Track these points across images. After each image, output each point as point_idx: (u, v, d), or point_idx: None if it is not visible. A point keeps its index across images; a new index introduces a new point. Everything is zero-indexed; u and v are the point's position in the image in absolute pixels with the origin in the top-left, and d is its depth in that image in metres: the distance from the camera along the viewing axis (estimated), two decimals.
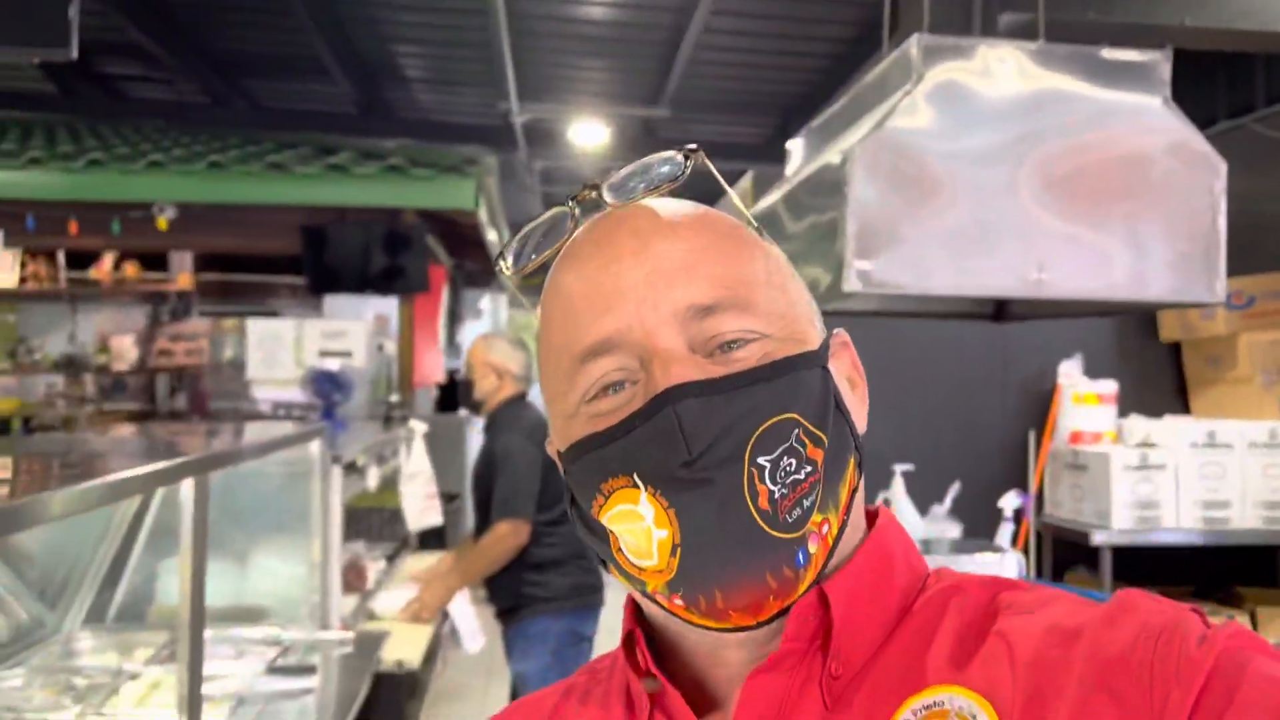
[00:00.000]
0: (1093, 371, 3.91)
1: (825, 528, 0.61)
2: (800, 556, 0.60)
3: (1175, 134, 2.32)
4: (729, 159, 7.51)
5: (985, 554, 2.81)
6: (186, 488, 1.58)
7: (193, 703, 1.69)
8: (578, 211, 0.69)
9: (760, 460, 0.59)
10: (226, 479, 2.36)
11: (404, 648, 2.90)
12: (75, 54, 2.59)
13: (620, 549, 0.63)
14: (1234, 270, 3.80)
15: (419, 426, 4.01)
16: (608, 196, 0.68)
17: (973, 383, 4.03)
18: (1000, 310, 3.37)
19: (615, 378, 0.63)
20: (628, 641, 0.68)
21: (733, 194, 0.73)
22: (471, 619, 3.64)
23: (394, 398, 5.13)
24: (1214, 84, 5.13)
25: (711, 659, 0.65)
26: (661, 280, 0.63)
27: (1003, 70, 2.30)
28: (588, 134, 7.56)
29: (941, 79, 2.29)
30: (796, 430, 0.61)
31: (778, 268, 0.68)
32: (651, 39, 6.01)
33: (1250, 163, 4.99)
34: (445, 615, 3.58)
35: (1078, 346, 3.96)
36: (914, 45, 2.29)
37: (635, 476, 0.60)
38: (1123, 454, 3.55)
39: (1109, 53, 2.31)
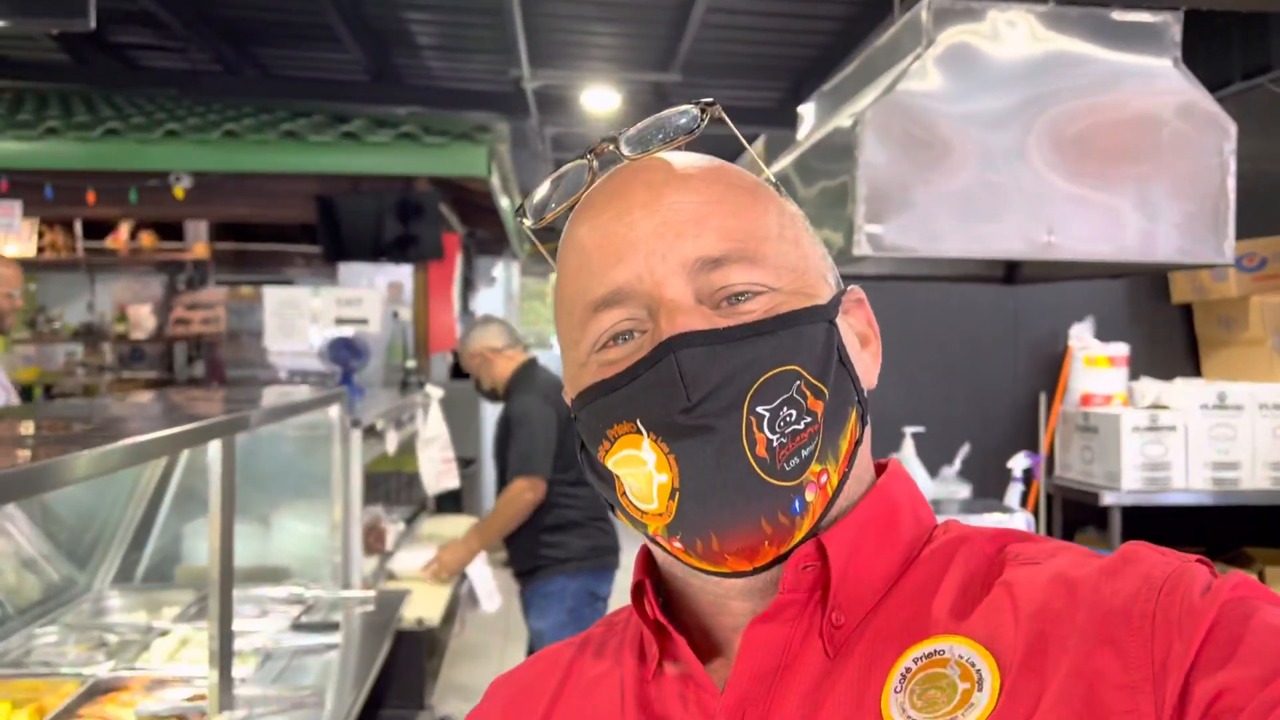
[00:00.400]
0: (1104, 334, 3.92)
1: (824, 478, 0.62)
2: (796, 504, 0.61)
3: (1185, 95, 2.32)
4: (741, 123, 7.25)
5: (994, 514, 2.85)
6: (214, 448, 1.63)
7: (223, 657, 1.75)
8: (595, 165, 0.70)
9: (759, 409, 0.60)
10: (249, 443, 2.42)
11: (424, 606, 2.96)
12: (93, 24, 2.63)
13: (625, 493, 0.64)
14: (1246, 232, 3.80)
15: (435, 392, 4.06)
16: (624, 149, 0.69)
17: (984, 345, 4.04)
18: (1011, 273, 3.39)
19: (624, 327, 0.64)
20: (637, 591, 0.70)
21: (750, 150, 0.76)
22: (489, 579, 3.71)
23: (410, 364, 5.19)
24: (1228, 44, 5.09)
25: (716, 607, 0.67)
26: (671, 231, 0.63)
27: (1013, 33, 2.30)
28: (599, 100, 7.54)
29: (952, 42, 2.30)
30: (797, 382, 0.61)
31: (791, 222, 0.69)
32: (662, 3, 5.98)
33: (1264, 124, 4.96)
34: (464, 576, 3.65)
35: (1089, 309, 3.97)
36: (925, 8, 2.30)
37: (638, 422, 0.61)
38: (1132, 416, 3.56)
39: (1119, 14, 2.31)
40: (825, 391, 0.62)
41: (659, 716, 0.66)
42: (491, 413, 5.90)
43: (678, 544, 0.62)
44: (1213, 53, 5.10)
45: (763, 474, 0.60)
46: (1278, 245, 3.89)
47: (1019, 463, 3.11)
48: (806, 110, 3.32)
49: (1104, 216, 2.28)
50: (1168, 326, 4.24)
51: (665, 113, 0.69)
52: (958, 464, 3.09)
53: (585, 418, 0.66)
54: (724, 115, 0.70)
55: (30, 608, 2.34)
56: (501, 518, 3.42)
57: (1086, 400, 3.79)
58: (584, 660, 0.75)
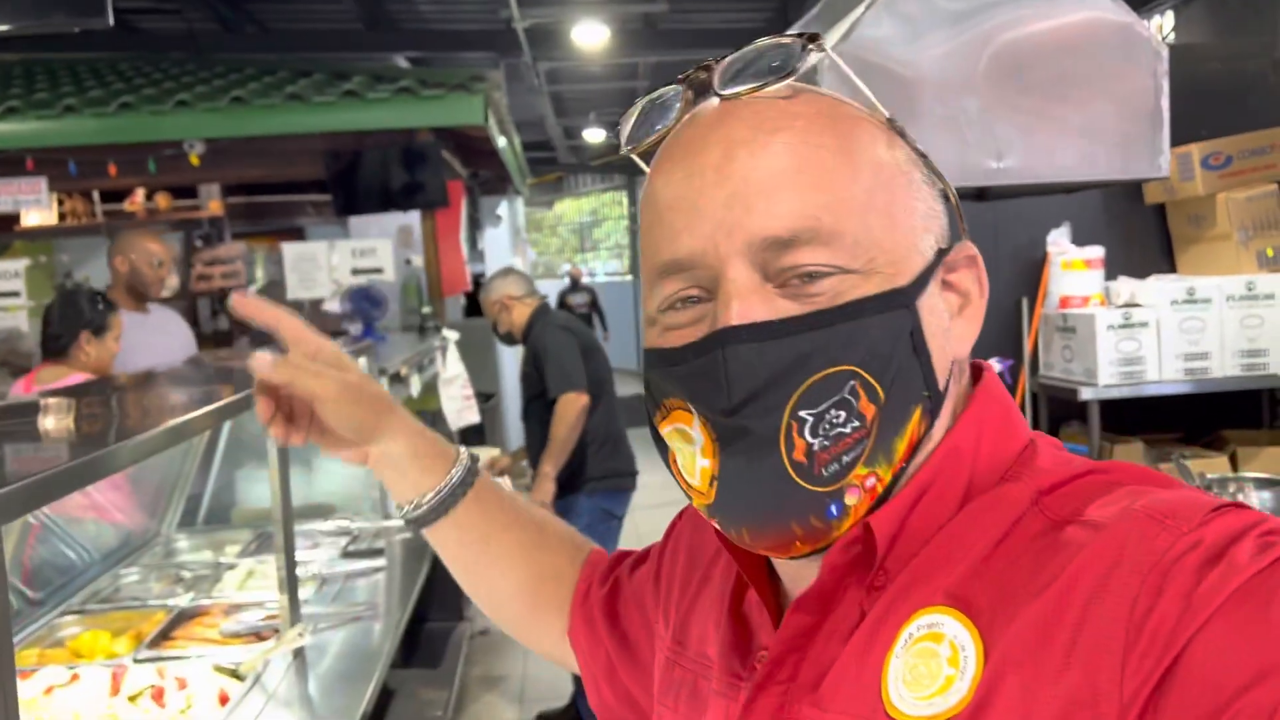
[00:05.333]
0: (1082, 239, 4.09)
1: (870, 480, 0.60)
2: (833, 509, 0.59)
3: (1119, 20, 2.50)
4: (734, 45, 7.57)
5: None
6: None
7: (290, 581, 2.05)
8: (690, 95, 0.66)
9: (802, 413, 0.58)
10: None
11: None
12: (111, 21, 2.83)
13: (675, 461, 0.65)
14: (1217, 128, 3.96)
15: (451, 335, 4.35)
16: (716, 83, 0.64)
17: None
18: (982, 191, 3.59)
19: (690, 294, 0.63)
20: None
21: (863, 87, 0.68)
22: None
23: (425, 309, 5.45)
24: None
25: None
26: (740, 205, 0.60)
27: None
28: (589, 34, 7.64)
29: None
30: (852, 383, 0.59)
31: (885, 183, 0.63)
32: None
33: (1238, 21, 5.07)
34: None
35: (1065, 215, 4.14)
36: None
37: (689, 403, 0.62)
38: (1106, 314, 3.74)
39: None
40: (881, 394, 0.59)
41: (743, 617, 0.72)
42: (507, 350, 6.17)
43: (716, 525, 0.64)
44: None
45: (797, 478, 0.59)
46: (1243, 143, 4.05)
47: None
48: None
49: (1046, 141, 2.48)
50: (1143, 227, 4.41)
51: (763, 45, 0.64)
52: None
53: (649, 376, 0.66)
54: (834, 54, 0.66)
55: (112, 553, 2.65)
56: (562, 433, 3.69)
57: (1065, 302, 3.98)
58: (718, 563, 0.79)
